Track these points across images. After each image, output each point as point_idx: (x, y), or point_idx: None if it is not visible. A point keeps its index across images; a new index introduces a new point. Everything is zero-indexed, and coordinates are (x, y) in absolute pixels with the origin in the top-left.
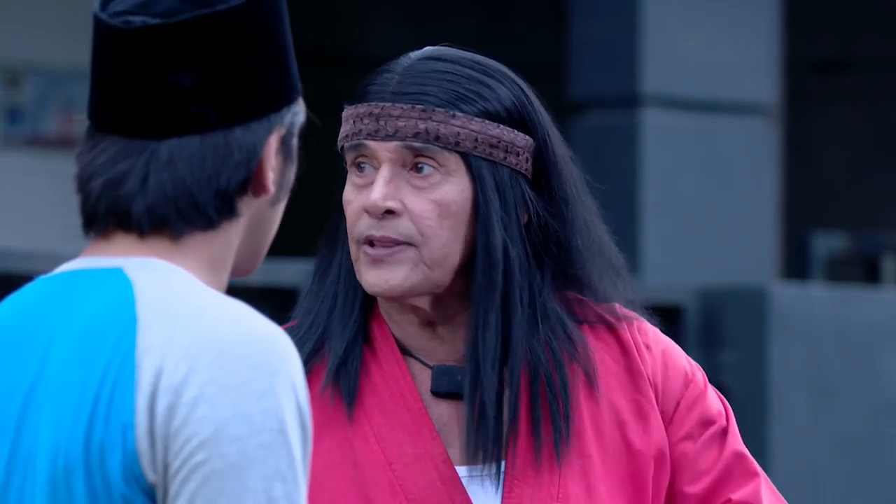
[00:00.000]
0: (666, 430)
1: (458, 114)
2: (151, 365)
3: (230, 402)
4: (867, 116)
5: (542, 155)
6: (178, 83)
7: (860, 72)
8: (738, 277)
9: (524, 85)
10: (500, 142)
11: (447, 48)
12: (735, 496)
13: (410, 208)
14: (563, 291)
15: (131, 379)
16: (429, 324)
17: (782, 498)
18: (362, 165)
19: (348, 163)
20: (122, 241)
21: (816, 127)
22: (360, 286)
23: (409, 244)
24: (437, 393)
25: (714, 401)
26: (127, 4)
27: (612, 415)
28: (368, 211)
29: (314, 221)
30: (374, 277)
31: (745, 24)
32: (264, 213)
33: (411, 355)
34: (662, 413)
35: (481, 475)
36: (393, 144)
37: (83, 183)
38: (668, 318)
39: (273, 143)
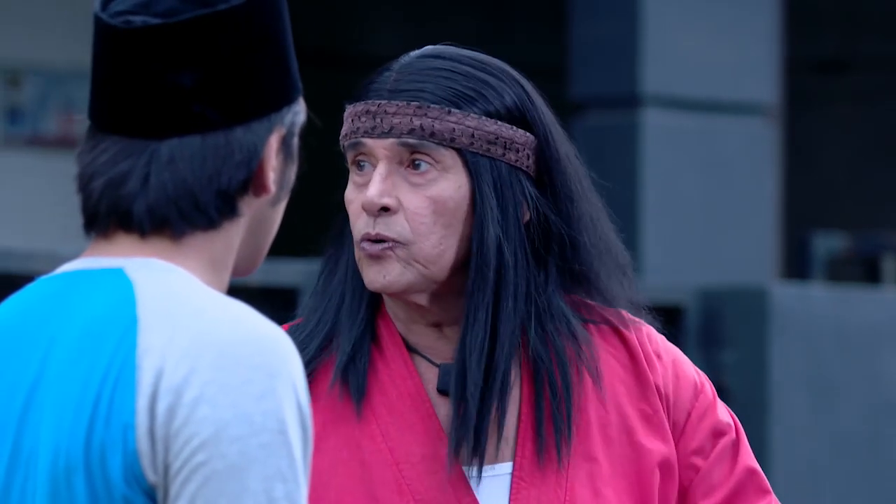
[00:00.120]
0: (677, 440)
1: (454, 110)
2: (152, 365)
3: (230, 402)
4: (867, 116)
5: (544, 152)
6: (179, 83)
7: (860, 72)
8: (739, 277)
9: (525, 82)
10: (498, 138)
11: (448, 47)
12: None
13: (406, 205)
14: (570, 294)
15: (132, 379)
16: (435, 324)
17: None
18: (362, 164)
19: (349, 162)
20: (123, 241)
21: (816, 127)
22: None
23: (400, 242)
24: (443, 392)
25: (723, 412)
26: (127, 4)
27: (619, 419)
28: (365, 208)
29: (314, 221)
30: (373, 274)
31: (745, 24)
32: (265, 213)
33: (418, 354)
34: (674, 424)
35: (489, 476)
36: (389, 142)
37: (84, 183)
38: (668, 318)
39: (274, 142)
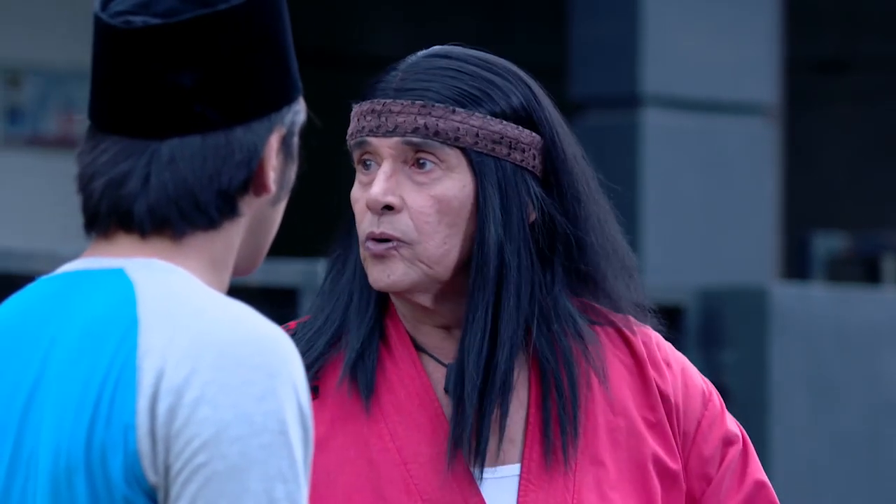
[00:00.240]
0: (689, 450)
1: (459, 109)
2: (152, 366)
3: (231, 403)
4: (867, 116)
5: (550, 153)
6: (179, 83)
7: (860, 72)
8: (739, 277)
9: (532, 83)
10: (503, 137)
11: (454, 47)
12: None
13: (410, 204)
14: (577, 296)
15: (132, 380)
16: (442, 325)
17: None
18: (367, 163)
19: (355, 161)
20: (124, 241)
21: (816, 127)
22: None
23: (404, 242)
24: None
25: (731, 422)
26: (127, 4)
27: (627, 423)
28: (369, 206)
29: (314, 221)
30: (377, 273)
31: (745, 24)
32: (265, 213)
33: (427, 353)
34: (684, 434)
35: (496, 477)
36: (393, 140)
37: (85, 183)
38: (669, 319)
39: (274, 142)
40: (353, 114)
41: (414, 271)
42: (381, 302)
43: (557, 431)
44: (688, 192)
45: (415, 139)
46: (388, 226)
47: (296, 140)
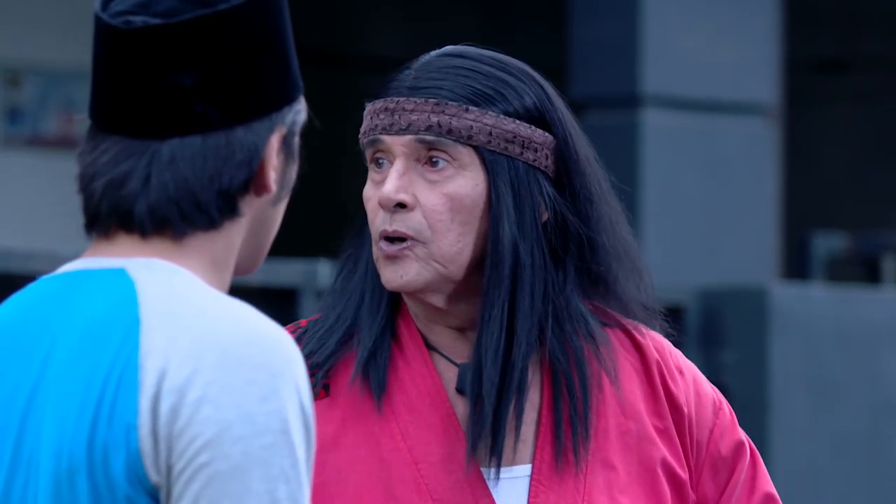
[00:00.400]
0: (703, 459)
1: (472, 108)
2: (155, 366)
3: (234, 402)
4: (867, 116)
5: (563, 153)
6: (180, 83)
7: (860, 72)
8: (739, 277)
9: (546, 84)
10: (515, 137)
11: (468, 47)
12: None
13: (423, 202)
14: (587, 298)
15: (134, 380)
16: (455, 326)
17: None
18: (380, 161)
19: (367, 159)
20: (125, 241)
21: (816, 127)
22: None
23: (418, 240)
24: (462, 391)
25: (740, 431)
26: (128, 4)
27: (638, 427)
28: (381, 204)
29: (314, 221)
30: (390, 273)
31: (745, 24)
32: (266, 213)
33: (438, 353)
34: (698, 443)
35: (507, 477)
36: (406, 138)
37: (85, 183)
38: (669, 318)
39: (275, 142)
40: (365, 112)
41: (427, 271)
42: (393, 301)
43: (569, 433)
44: (688, 192)
45: (428, 137)
46: (400, 224)
47: (297, 140)
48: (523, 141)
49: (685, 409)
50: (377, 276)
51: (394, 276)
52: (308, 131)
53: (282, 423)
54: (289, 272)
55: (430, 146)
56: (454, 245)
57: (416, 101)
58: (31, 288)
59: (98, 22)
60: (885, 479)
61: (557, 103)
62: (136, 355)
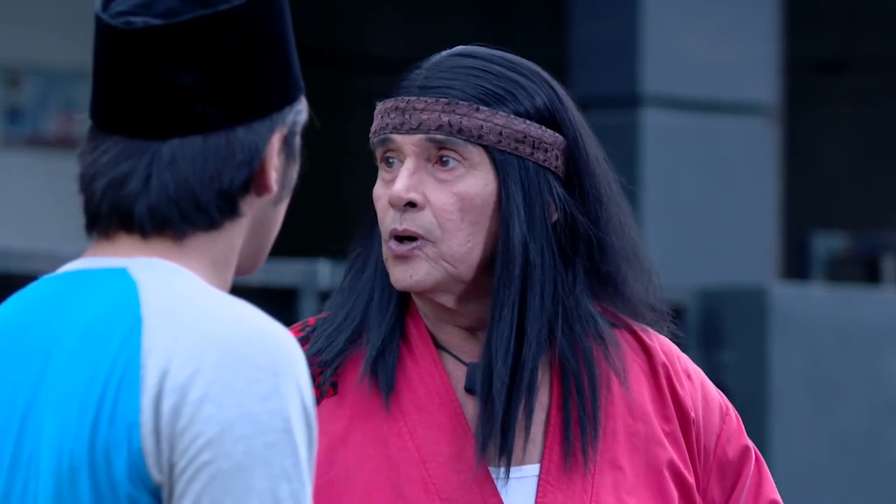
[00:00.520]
0: (710, 465)
1: (483, 108)
2: (156, 365)
3: (236, 401)
4: (867, 116)
5: (573, 154)
6: (180, 83)
7: (860, 72)
8: (739, 277)
9: (556, 84)
10: (526, 137)
11: (479, 47)
12: None
13: (433, 201)
14: (596, 300)
15: (136, 379)
16: (465, 326)
17: None
18: (391, 160)
19: (378, 158)
20: (125, 241)
21: (816, 127)
22: None
23: (428, 240)
24: (471, 391)
25: (746, 436)
26: (128, 5)
27: (646, 429)
28: (391, 203)
29: (314, 221)
30: (400, 273)
31: (745, 24)
32: (267, 213)
33: (447, 352)
34: (706, 449)
35: (515, 477)
36: (417, 137)
37: (86, 183)
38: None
39: (275, 142)
40: (376, 111)
41: (437, 270)
42: (402, 300)
43: (578, 433)
44: (688, 192)
45: (438, 136)
46: (410, 223)
47: (298, 140)
48: (533, 141)
49: (692, 414)
50: (386, 275)
51: (403, 275)
52: (308, 131)
53: (284, 421)
54: (289, 272)
55: (441, 145)
56: (464, 245)
57: (426, 101)
58: (32, 287)
59: (99, 22)
60: (885, 479)
61: (568, 104)
62: (138, 354)
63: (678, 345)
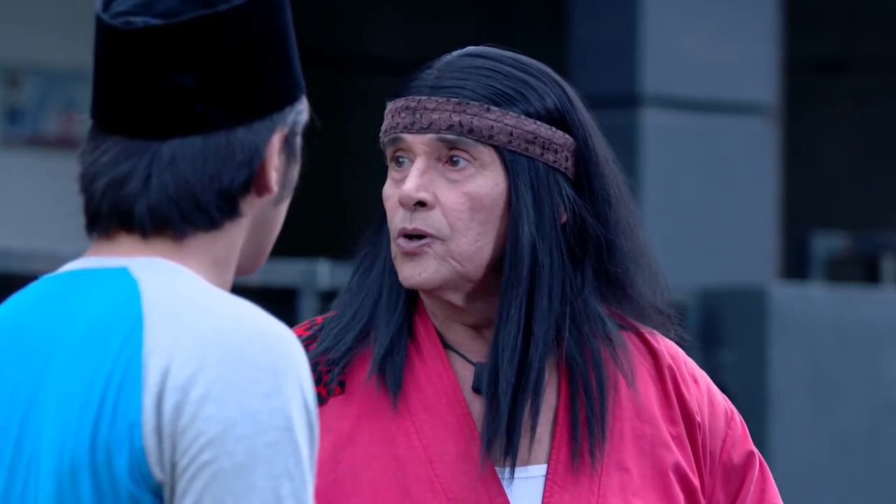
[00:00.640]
0: (716, 469)
1: (494, 108)
2: (158, 364)
3: (237, 400)
4: (867, 116)
5: (583, 155)
6: (180, 83)
7: (860, 72)
8: (738, 277)
9: (566, 85)
10: (536, 138)
11: (490, 47)
12: None
13: (443, 201)
14: (604, 302)
15: (138, 378)
16: (472, 324)
17: None
18: (401, 160)
19: (388, 158)
20: (126, 241)
21: (816, 127)
22: None
23: (437, 238)
24: (478, 390)
25: (750, 441)
26: (129, 5)
27: (653, 431)
28: (402, 202)
29: (314, 221)
30: (408, 270)
31: (745, 24)
32: (267, 213)
33: (455, 351)
34: (711, 453)
35: (522, 477)
36: (427, 137)
37: (86, 183)
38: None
39: (276, 142)
40: (386, 111)
41: (445, 268)
42: (411, 299)
43: (585, 433)
44: (687, 192)
45: (449, 136)
46: (420, 222)
47: (298, 140)
48: (544, 142)
49: (698, 418)
50: (395, 273)
51: (412, 272)
52: (308, 131)
53: (285, 420)
54: (288, 272)
55: (451, 145)
56: (473, 244)
57: (437, 101)
58: (32, 287)
59: (99, 22)
60: (885, 479)
61: (577, 105)
62: (140, 353)
63: (684, 347)
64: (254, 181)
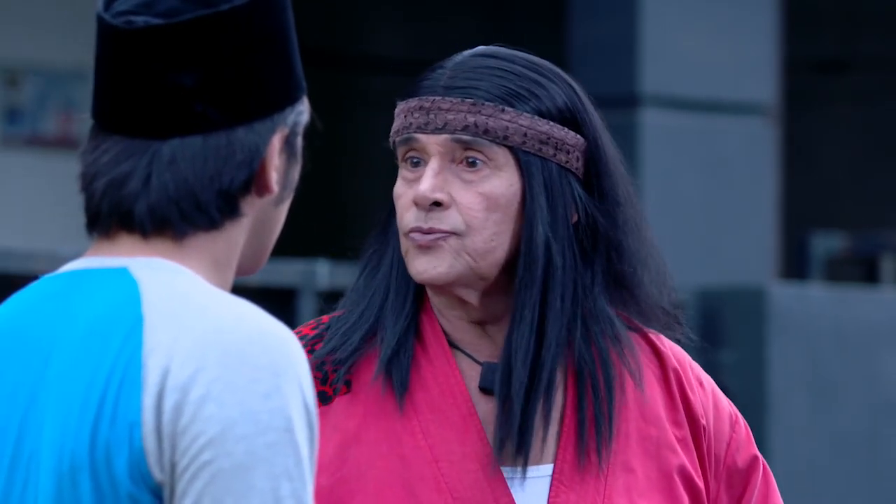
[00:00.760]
0: (720, 473)
1: (508, 108)
2: (158, 364)
3: (237, 400)
4: (867, 116)
5: (593, 155)
6: (181, 83)
7: (860, 72)
8: (738, 277)
9: (576, 85)
10: (549, 138)
11: (500, 47)
12: None
13: (459, 201)
14: (611, 303)
15: (138, 378)
16: (479, 321)
17: None
18: (415, 160)
19: (399, 158)
20: (126, 241)
21: (816, 127)
22: (413, 281)
23: (453, 233)
24: (485, 389)
25: (754, 446)
26: (130, 4)
27: (658, 433)
28: (417, 202)
29: (313, 221)
30: (422, 264)
31: (745, 24)
32: (268, 213)
33: (460, 350)
34: (716, 457)
35: (528, 477)
36: (442, 137)
37: (87, 182)
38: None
39: (276, 142)
40: (397, 111)
41: (460, 263)
42: (417, 298)
43: (592, 432)
44: (687, 192)
45: (465, 137)
46: (436, 222)
47: (299, 140)
48: (556, 142)
49: (703, 421)
50: (402, 273)
51: (426, 266)
52: (308, 131)
53: (285, 420)
54: (288, 272)
55: (467, 146)
56: (488, 242)
57: (452, 101)
58: (32, 287)
59: (100, 22)
60: (885, 479)
61: (587, 105)
62: (140, 353)
63: (691, 347)
64: (254, 181)
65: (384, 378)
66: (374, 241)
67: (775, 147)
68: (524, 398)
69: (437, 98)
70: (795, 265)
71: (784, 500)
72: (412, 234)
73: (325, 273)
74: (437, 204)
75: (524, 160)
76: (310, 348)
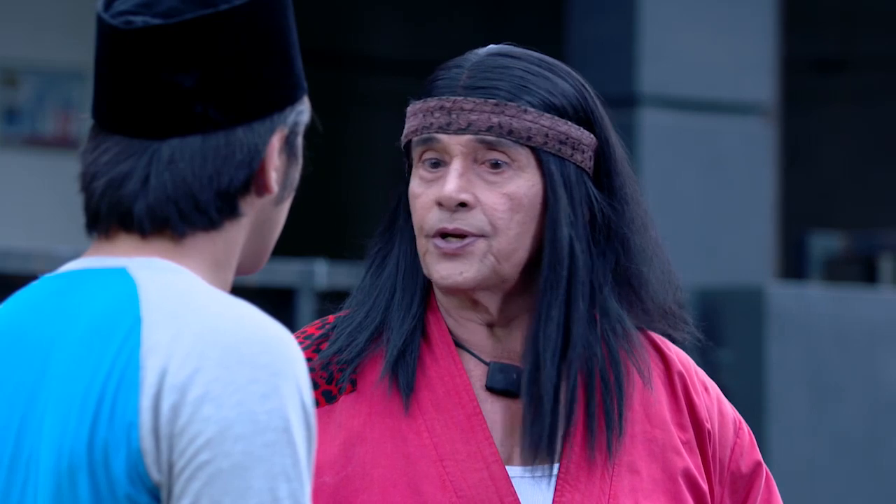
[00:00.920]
0: (725, 477)
1: (531, 109)
2: (156, 364)
3: (235, 401)
4: (866, 116)
5: (604, 153)
6: (180, 83)
7: (859, 72)
8: (736, 277)
9: (587, 84)
10: (568, 138)
11: (513, 46)
12: None
13: (483, 201)
14: (619, 303)
15: (136, 378)
16: (487, 322)
17: None
18: (434, 160)
19: (415, 158)
20: (125, 241)
21: (815, 127)
22: (420, 280)
23: (480, 236)
24: (492, 389)
25: (757, 450)
26: (130, 4)
27: (663, 435)
28: (442, 203)
29: (312, 221)
30: (447, 269)
31: (744, 23)
32: (268, 213)
33: (465, 350)
34: (720, 460)
35: (533, 476)
36: (465, 138)
37: (86, 182)
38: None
39: (276, 142)
40: (412, 111)
41: (486, 266)
42: (423, 297)
43: (602, 428)
44: (685, 192)
45: (489, 137)
46: (461, 222)
47: (299, 140)
48: (574, 142)
49: (707, 426)
50: (409, 273)
51: (452, 272)
52: (307, 131)
53: (283, 421)
54: (286, 272)
55: (490, 146)
56: (513, 242)
57: (474, 101)
58: (32, 287)
59: (100, 22)
60: (885, 479)
61: (598, 104)
62: (138, 354)
63: (697, 347)
64: (254, 181)
65: (390, 378)
66: (379, 239)
67: (774, 147)
68: (554, 398)
69: (459, 98)
70: (794, 265)
71: (784, 501)
72: (435, 240)
73: (323, 273)
74: (462, 205)
75: (545, 160)
76: (315, 348)
